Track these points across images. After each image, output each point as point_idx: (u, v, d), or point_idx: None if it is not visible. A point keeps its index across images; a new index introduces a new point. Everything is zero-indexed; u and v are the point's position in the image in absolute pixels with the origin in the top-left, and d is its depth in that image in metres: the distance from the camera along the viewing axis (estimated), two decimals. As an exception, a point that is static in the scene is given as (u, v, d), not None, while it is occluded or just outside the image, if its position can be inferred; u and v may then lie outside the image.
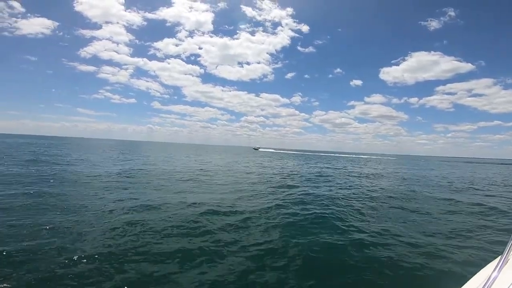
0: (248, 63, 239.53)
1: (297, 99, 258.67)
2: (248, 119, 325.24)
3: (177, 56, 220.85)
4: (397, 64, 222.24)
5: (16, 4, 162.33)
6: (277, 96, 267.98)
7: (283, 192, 11.49)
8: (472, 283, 1.62)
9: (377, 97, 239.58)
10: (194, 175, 16.00)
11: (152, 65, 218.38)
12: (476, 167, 48.90)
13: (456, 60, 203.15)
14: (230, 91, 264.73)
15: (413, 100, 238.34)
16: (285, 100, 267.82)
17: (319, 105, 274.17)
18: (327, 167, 29.31)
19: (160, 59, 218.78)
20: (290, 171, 22.33)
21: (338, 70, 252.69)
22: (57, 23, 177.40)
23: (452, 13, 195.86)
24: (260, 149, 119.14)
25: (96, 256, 4.38)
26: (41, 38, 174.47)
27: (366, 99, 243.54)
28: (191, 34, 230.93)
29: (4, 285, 3.49)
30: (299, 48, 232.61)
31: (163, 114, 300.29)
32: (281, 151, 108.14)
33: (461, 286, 1.61)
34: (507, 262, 1.41)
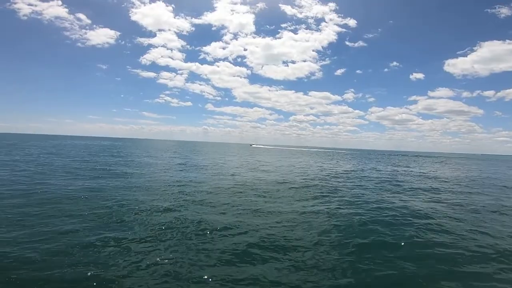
0: (293, 62, 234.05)
1: (349, 95, 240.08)
2: (297, 118, 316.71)
3: (225, 59, 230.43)
4: (465, 55, 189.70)
5: (83, 16, 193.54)
6: (328, 94, 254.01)
7: None
8: None
9: (443, 91, 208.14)
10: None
11: (204, 69, 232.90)
12: None
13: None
14: (277, 90, 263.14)
15: (489, 93, 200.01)
16: (336, 97, 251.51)
17: (375, 101, 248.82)
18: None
19: (210, 63, 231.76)
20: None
21: (395, 63, 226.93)
22: (119, 33, 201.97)
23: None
24: (253, 145, 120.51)
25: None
26: (108, 48, 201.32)
27: (430, 93, 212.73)
28: (235, 36, 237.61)
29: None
30: (347, 43, 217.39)
31: (216, 116, 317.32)
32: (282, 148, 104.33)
33: None
34: None
